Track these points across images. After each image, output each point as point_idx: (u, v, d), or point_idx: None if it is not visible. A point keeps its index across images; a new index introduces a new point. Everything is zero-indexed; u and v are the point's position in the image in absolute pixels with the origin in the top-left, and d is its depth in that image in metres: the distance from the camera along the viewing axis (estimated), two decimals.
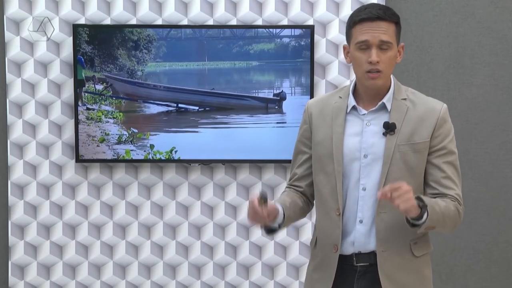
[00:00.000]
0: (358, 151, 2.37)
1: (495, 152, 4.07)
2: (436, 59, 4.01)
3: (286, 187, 2.60)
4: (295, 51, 3.89)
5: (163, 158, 3.92)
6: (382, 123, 2.37)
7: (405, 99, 2.40)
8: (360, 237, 2.39)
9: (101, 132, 3.93)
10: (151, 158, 3.91)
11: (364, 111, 2.40)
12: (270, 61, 3.90)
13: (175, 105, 3.93)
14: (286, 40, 3.89)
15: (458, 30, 4.01)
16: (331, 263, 2.41)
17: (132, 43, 3.89)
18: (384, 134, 2.36)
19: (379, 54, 2.31)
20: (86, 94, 3.90)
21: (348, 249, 2.40)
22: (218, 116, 3.92)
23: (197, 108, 3.93)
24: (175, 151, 3.93)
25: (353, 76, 3.87)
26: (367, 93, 2.40)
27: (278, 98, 3.92)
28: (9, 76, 3.95)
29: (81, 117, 3.91)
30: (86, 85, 3.90)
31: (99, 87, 3.91)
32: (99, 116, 3.92)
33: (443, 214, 2.30)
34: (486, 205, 4.09)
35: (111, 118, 3.93)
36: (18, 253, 4.03)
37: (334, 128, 2.41)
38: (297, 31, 3.88)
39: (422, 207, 2.25)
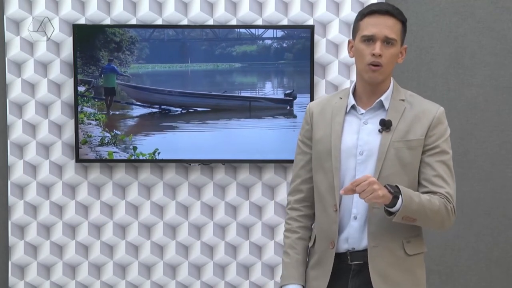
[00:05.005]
0: (354, 148, 2.42)
1: (495, 152, 4.07)
2: (436, 59, 4.01)
3: (288, 209, 2.62)
4: (277, 53, 3.87)
5: (150, 158, 3.92)
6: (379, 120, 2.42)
7: (403, 100, 2.45)
8: (354, 233, 2.42)
9: (83, 134, 3.92)
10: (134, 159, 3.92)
11: (362, 111, 2.46)
12: (253, 63, 3.89)
13: (158, 107, 3.92)
14: (268, 42, 3.87)
15: (458, 30, 4.01)
16: (328, 261, 2.45)
17: (114, 45, 3.86)
18: (380, 131, 2.41)
19: (383, 48, 2.36)
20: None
21: (343, 246, 2.44)
22: (230, 121, 3.92)
23: (180, 110, 3.92)
24: (158, 153, 3.92)
25: (353, 77, 3.89)
26: (366, 90, 2.45)
27: (291, 98, 3.90)
28: (9, 76, 3.95)
29: None
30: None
31: (81, 88, 3.90)
32: (81, 118, 3.91)
33: (423, 206, 2.31)
34: (486, 205, 4.09)
35: (93, 120, 3.92)
36: (18, 253, 4.03)
37: (333, 126, 2.46)
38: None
39: (395, 194, 2.27)
